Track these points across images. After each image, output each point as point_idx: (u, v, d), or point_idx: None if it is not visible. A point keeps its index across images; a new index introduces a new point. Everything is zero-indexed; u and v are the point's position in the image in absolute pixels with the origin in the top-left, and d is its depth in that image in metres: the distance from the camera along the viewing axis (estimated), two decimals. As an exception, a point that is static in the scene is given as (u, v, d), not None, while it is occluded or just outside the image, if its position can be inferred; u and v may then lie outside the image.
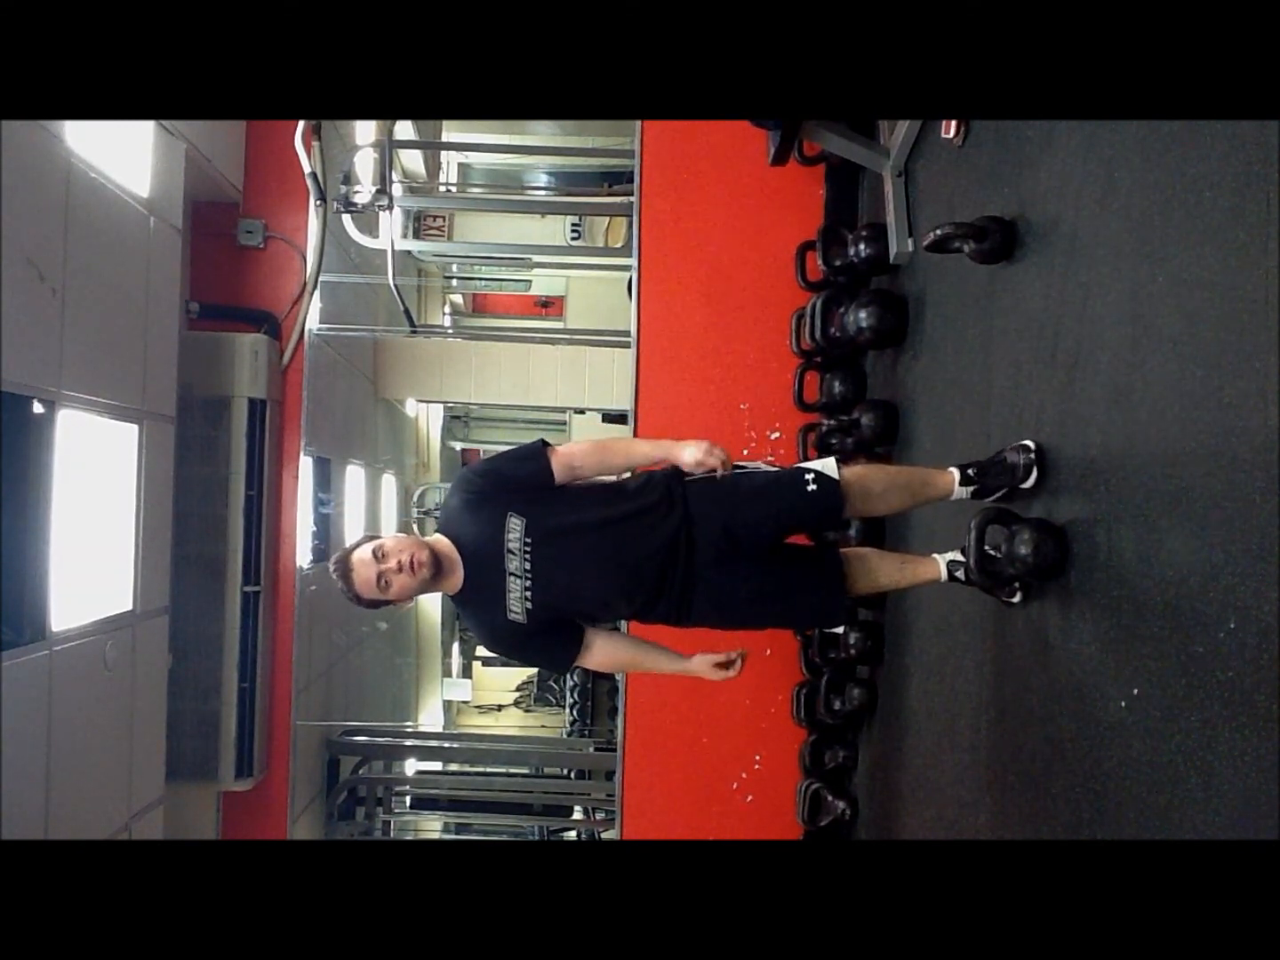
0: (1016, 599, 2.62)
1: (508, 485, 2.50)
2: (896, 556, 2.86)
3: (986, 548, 2.51)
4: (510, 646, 2.63)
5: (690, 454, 2.50)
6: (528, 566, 2.45)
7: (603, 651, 2.64)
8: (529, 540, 2.44)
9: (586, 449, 2.57)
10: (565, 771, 8.06)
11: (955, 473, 2.65)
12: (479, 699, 12.61)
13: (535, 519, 2.46)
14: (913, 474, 2.74)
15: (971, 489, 2.64)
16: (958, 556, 2.70)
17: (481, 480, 2.53)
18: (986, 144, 3.07)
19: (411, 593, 2.47)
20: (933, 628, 3.40)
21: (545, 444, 2.55)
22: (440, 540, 2.49)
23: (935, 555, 2.78)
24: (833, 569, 2.64)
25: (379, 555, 2.40)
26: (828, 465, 2.55)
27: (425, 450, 10.38)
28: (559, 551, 2.46)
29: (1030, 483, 2.54)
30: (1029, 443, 2.55)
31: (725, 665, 2.59)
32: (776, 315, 4.61)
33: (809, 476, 2.52)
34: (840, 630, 2.81)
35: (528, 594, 2.46)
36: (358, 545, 2.46)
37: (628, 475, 2.66)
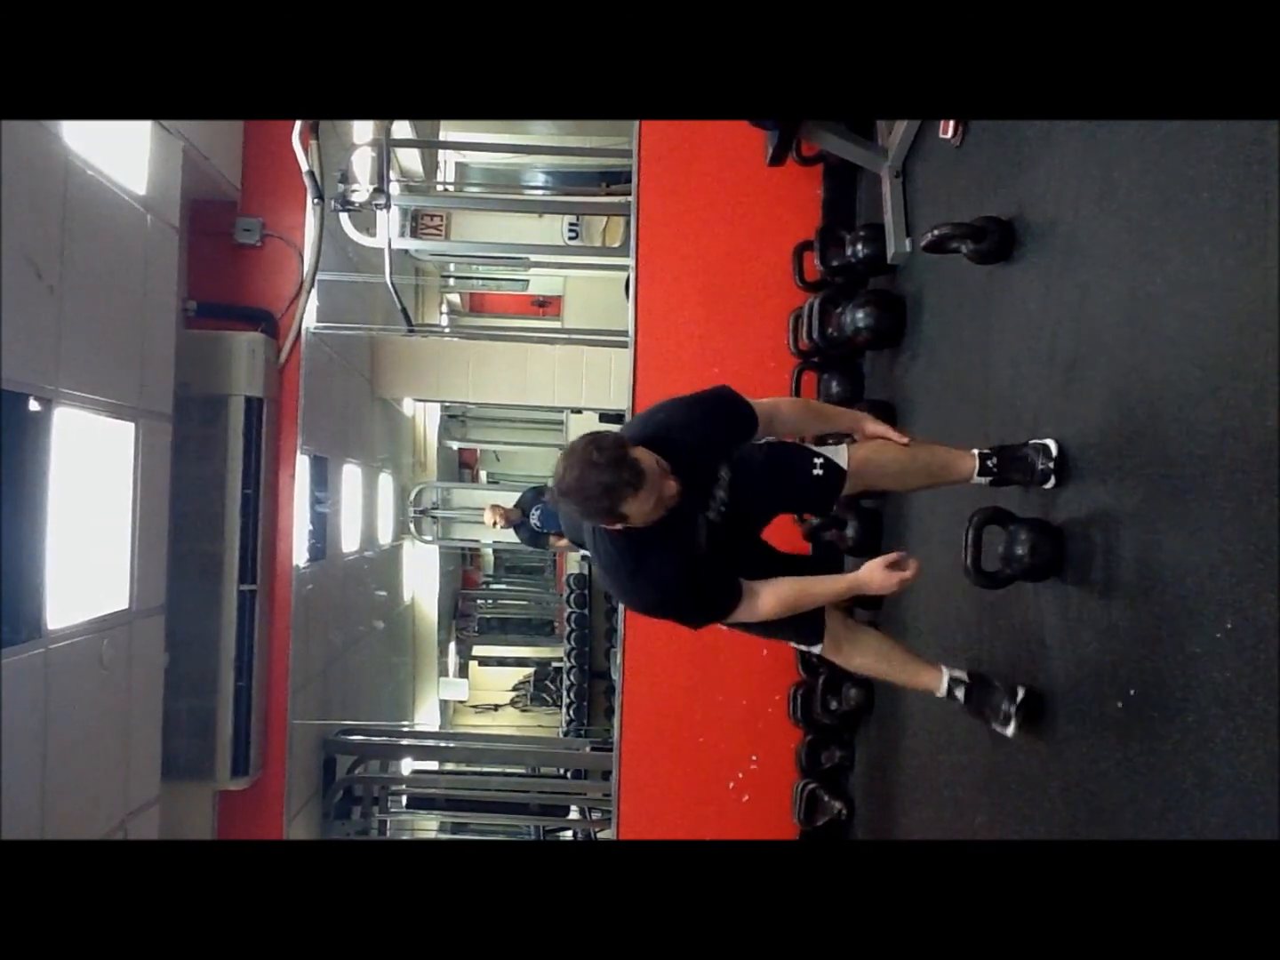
0: (1010, 729, 2.53)
1: (723, 434, 2.40)
2: (903, 653, 2.76)
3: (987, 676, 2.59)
4: (684, 596, 2.40)
5: (874, 427, 2.54)
6: (721, 512, 2.38)
7: (769, 594, 2.44)
8: (730, 490, 2.38)
9: (791, 414, 2.52)
10: (562, 771, 8.05)
11: (975, 458, 2.58)
12: (475, 698, 12.61)
13: (735, 472, 2.40)
14: (933, 457, 2.62)
15: (989, 479, 2.59)
16: (963, 676, 2.65)
17: (703, 424, 2.37)
18: (985, 144, 3.07)
19: (647, 522, 2.23)
20: (929, 628, 3.40)
21: (747, 401, 2.42)
22: None
23: (943, 666, 2.70)
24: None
25: (665, 470, 2.19)
26: (839, 453, 2.49)
27: (422, 449, 10.36)
28: (739, 504, 2.41)
29: (1049, 485, 2.50)
30: (1051, 445, 2.49)
31: (896, 566, 2.42)
32: (774, 315, 4.61)
33: (818, 460, 2.47)
34: (816, 651, 2.70)
35: (708, 538, 2.38)
36: (626, 443, 2.18)
37: None
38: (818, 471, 2.47)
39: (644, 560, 2.32)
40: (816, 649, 2.64)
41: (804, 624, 2.59)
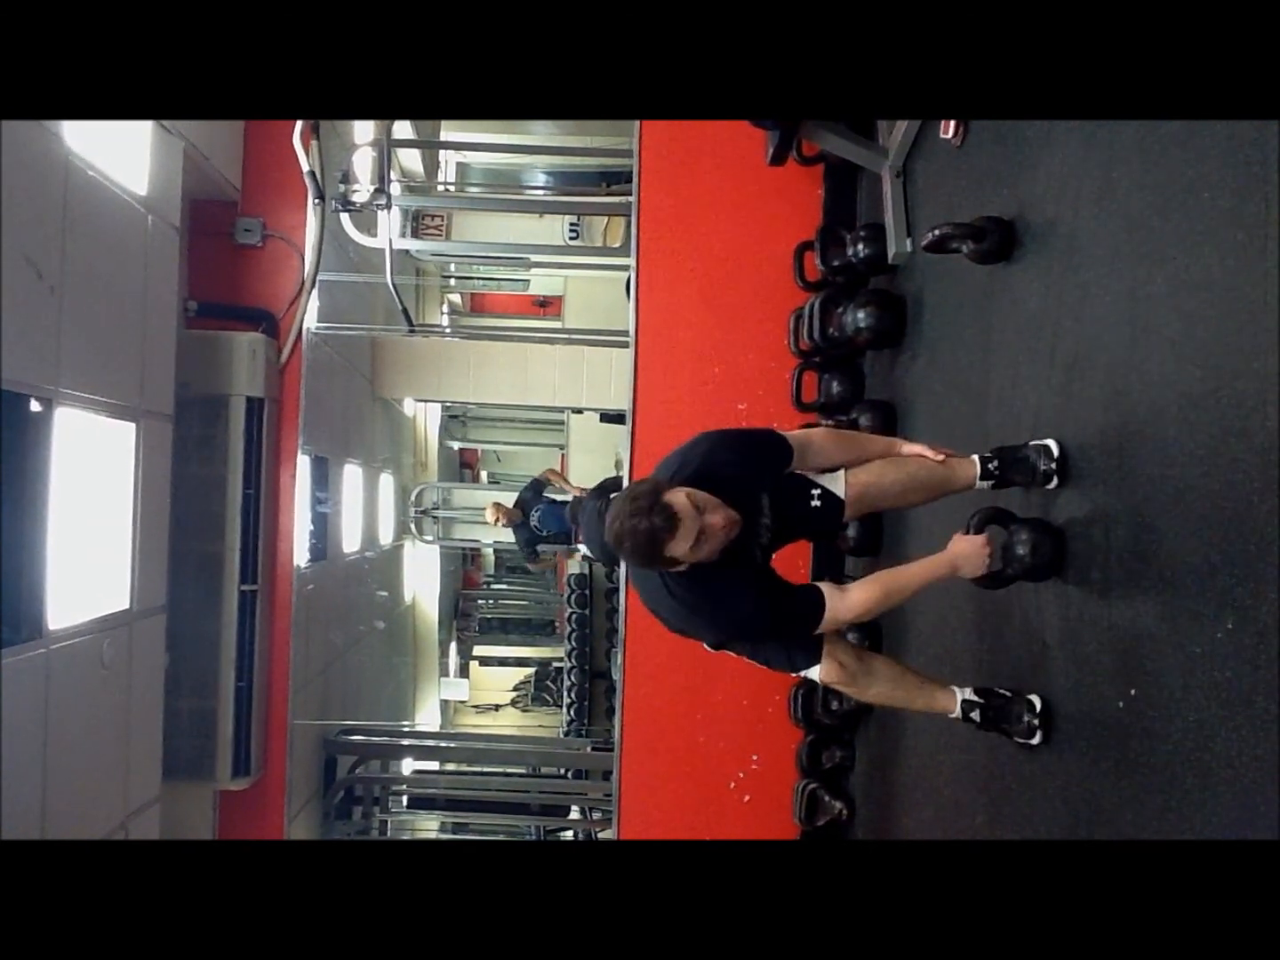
0: (1036, 739, 2.53)
1: (762, 466, 2.45)
2: (915, 677, 2.72)
3: (999, 690, 2.60)
4: (772, 612, 2.44)
5: (910, 448, 2.57)
6: (769, 539, 2.42)
7: (860, 587, 2.44)
8: (772, 516, 2.41)
9: (825, 444, 2.53)
10: (562, 771, 8.06)
11: (976, 464, 2.56)
12: (476, 698, 12.62)
13: (775, 500, 2.43)
14: (933, 472, 2.58)
15: (990, 482, 2.58)
16: (973, 697, 2.63)
17: (744, 456, 2.44)
18: (985, 144, 3.07)
19: (711, 556, 2.27)
20: (930, 627, 3.40)
21: (782, 436, 2.48)
22: None
23: (954, 688, 2.68)
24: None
25: (700, 508, 2.21)
26: (836, 482, 2.48)
27: (423, 449, 10.38)
28: (780, 529, 2.45)
29: (1051, 486, 2.50)
30: (1053, 446, 2.48)
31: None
32: (775, 315, 4.61)
33: (815, 492, 2.47)
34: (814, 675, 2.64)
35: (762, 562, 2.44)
36: (665, 489, 2.24)
37: None
38: (815, 503, 2.46)
39: (721, 593, 2.38)
40: (815, 672, 2.56)
41: (796, 649, 2.56)
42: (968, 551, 2.43)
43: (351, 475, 7.49)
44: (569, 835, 8.17)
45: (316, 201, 5.17)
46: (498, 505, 6.83)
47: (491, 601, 14.04)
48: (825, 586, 2.43)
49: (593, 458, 9.34)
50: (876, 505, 2.61)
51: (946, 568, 2.46)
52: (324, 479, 6.66)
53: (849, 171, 4.46)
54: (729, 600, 2.40)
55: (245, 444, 5.22)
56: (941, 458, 2.54)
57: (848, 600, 2.41)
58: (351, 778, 6.94)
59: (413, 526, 9.65)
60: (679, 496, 2.21)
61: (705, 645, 2.58)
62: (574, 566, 9.87)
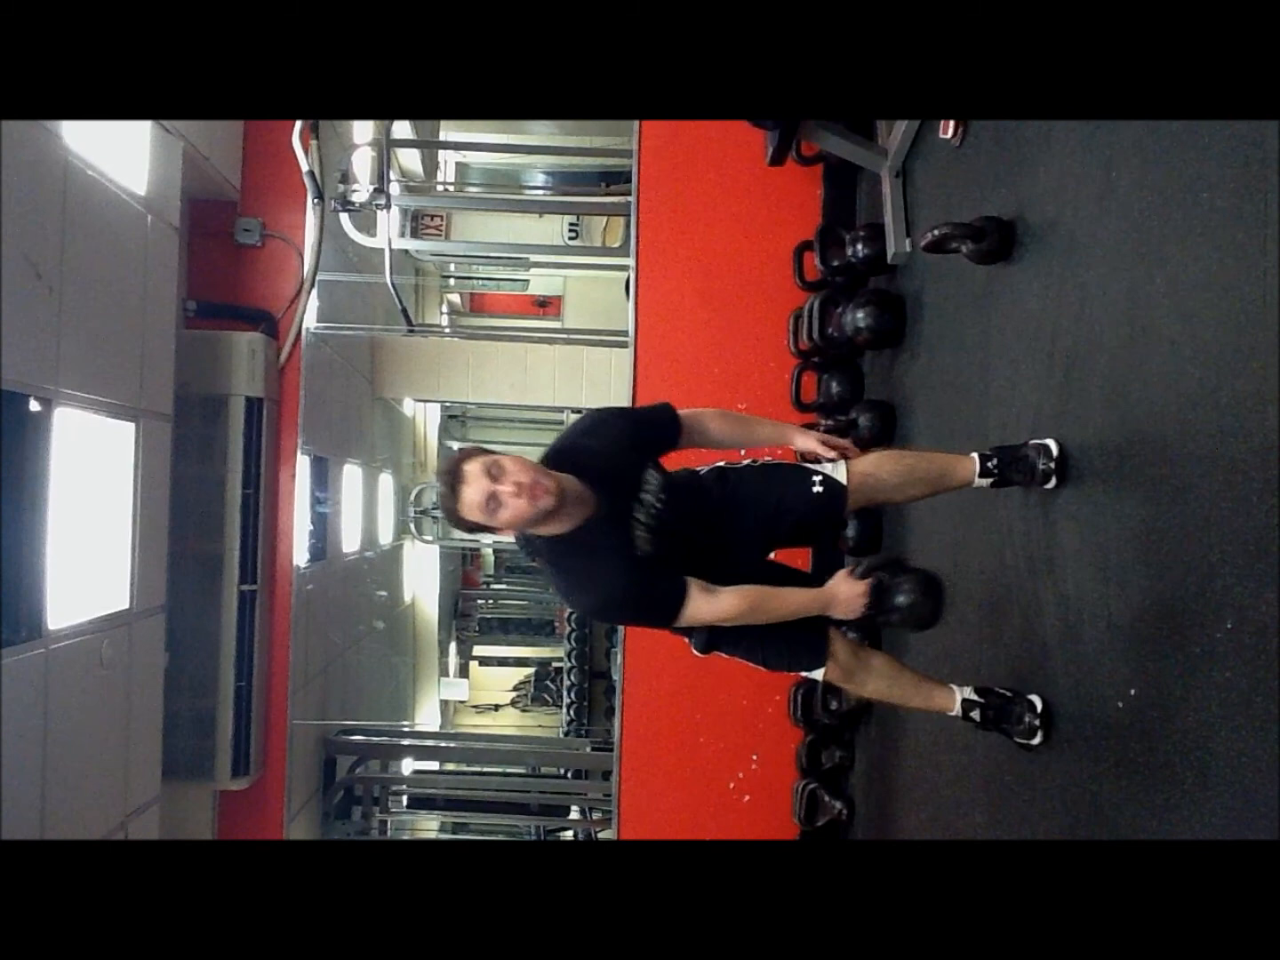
0: (1037, 739, 2.53)
1: (643, 441, 2.44)
2: (913, 675, 2.72)
3: (999, 690, 2.63)
4: (625, 594, 2.37)
5: (803, 441, 2.56)
6: (655, 516, 2.35)
7: (731, 595, 2.37)
8: (663, 495, 2.36)
9: (713, 423, 2.58)
10: (562, 771, 8.06)
11: (975, 461, 2.57)
12: (476, 698, 12.62)
13: (666, 474, 2.41)
14: (931, 464, 2.60)
15: (990, 480, 2.58)
16: (974, 696, 2.63)
17: (619, 430, 2.42)
18: (985, 144, 3.07)
19: (523, 523, 2.23)
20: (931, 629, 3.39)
21: (674, 410, 2.51)
22: (567, 478, 2.26)
23: (954, 686, 2.68)
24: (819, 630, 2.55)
25: (493, 472, 2.17)
26: (838, 470, 2.47)
27: (422, 449, 10.37)
28: (681, 505, 2.40)
29: (1050, 485, 2.50)
30: (1052, 445, 2.49)
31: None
32: (774, 315, 4.61)
33: (816, 479, 2.46)
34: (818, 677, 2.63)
35: (648, 542, 2.36)
36: (471, 455, 2.24)
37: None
38: (817, 489, 2.44)
39: (585, 568, 2.36)
40: (817, 673, 2.56)
41: (800, 648, 2.56)
42: (845, 595, 2.40)
43: (351, 475, 7.49)
44: (569, 835, 8.17)
45: (316, 201, 5.17)
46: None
47: (491, 601, 14.03)
48: (694, 584, 2.36)
49: (592, 458, 9.30)
50: (875, 497, 2.60)
51: (820, 605, 2.44)
52: (324, 479, 6.65)
53: (848, 171, 4.47)
54: (591, 575, 2.35)
55: (245, 444, 5.22)
56: (833, 454, 2.50)
57: (714, 603, 2.36)
58: (351, 778, 6.94)
59: (412, 526, 9.64)
60: (473, 463, 2.20)
61: (693, 650, 2.58)
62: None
